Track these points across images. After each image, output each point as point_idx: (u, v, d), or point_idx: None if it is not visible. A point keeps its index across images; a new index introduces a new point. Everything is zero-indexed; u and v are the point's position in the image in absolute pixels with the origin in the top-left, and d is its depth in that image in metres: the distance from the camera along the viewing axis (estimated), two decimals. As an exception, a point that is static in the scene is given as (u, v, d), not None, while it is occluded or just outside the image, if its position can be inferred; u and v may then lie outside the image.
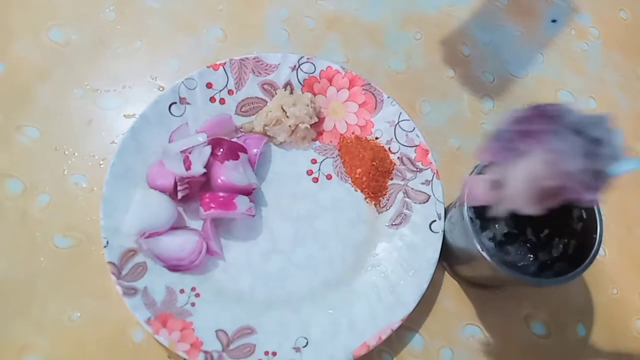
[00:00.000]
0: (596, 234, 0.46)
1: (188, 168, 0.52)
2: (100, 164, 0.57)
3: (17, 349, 0.49)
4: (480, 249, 0.44)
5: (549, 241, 0.52)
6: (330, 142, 0.60)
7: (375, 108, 0.60)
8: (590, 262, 0.45)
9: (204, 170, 0.52)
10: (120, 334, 0.51)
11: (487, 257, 0.44)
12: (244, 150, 0.54)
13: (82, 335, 0.50)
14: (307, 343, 0.50)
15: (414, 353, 0.53)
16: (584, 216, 0.48)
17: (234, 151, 0.53)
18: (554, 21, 0.73)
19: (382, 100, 0.60)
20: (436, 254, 0.54)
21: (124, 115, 0.59)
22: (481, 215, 0.50)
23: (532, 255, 0.53)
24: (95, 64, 0.62)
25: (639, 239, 0.61)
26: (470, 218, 0.46)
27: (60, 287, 0.52)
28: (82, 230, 0.54)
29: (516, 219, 0.54)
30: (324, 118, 0.61)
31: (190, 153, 0.53)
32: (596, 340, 0.56)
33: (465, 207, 0.46)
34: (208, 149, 0.53)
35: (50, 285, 0.52)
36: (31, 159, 0.56)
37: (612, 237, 0.61)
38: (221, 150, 0.53)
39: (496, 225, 0.54)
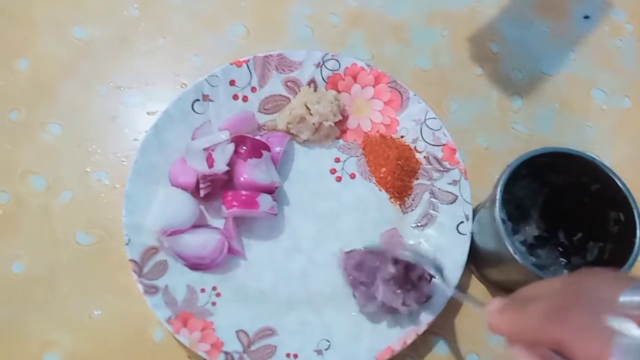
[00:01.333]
0: (635, 237, 0.44)
1: (211, 165, 0.51)
2: (123, 161, 0.56)
3: (39, 346, 0.49)
4: (512, 252, 0.42)
5: (583, 245, 0.50)
6: (354, 140, 0.59)
7: (401, 106, 0.58)
8: (630, 269, 0.43)
9: (227, 168, 0.51)
10: (140, 332, 0.50)
11: (520, 260, 0.42)
12: (267, 148, 0.53)
13: (102, 333, 0.50)
14: (329, 346, 0.49)
15: (439, 358, 0.52)
16: (622, 219, 0.46)
17: (257, 149, 0.52)
18: (586, 17, 0.71)
19: (408, 98, 0.58)
20: (464, 257, 0.52)
21: (147, 113, 0.59)
22: (512, 217, 0.48)
23: (564, 260, 0.51)
24: (118, 61, 0.61)
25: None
26: (502, 219, 0.44)
27: (81, 284, 0.52)
28: (104, 228, 0.54)
29: (548, 221, 0.52)
30: (348, 116, 0.59)
31: (213, 150, 0.52)
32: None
33: (497, 208, 0.44)
34: (231, 147, 0.52)
35: (72, 282, 0.52)
36: (54, 156, 0.56)
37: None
38: (244, 148, 0.52)
39: (527, 228, 0.52)
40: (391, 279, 0.48)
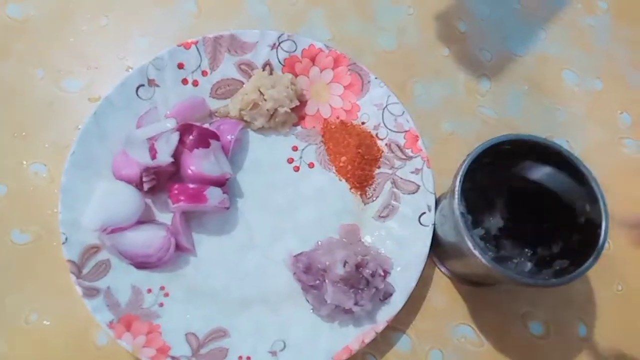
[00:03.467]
0: (601, 228, 0.41)
1: (154, 157, 0.47)
2: (62, 152, 0.52)
3: (-30, 354, 0.46)
4: (472, 247, 0.40)
5: (549, 235, 0.47)
6: (313, 127, 0.55)
7: (362, 90, 0.55)
8: (595, 261, 0.41)
9: (172, 160, 0.48)
10: (82, 336, 0.47)
11: (479, 255, 0.40)
12: (216, 137, 0.49)
13: (41, 338, 0.47)
14: (284, 346, 0.47)
15: (401, 355, 0.50)
16: (588, 209, 0.43)
17: (205, 138, 0.48)
18: (558, -6, 0.68)
19: (369, 82, 0.55)
20: (426, 249, 0.49)
21: (89, 99, 0.55)
22: (474, 208, 0.46)
23: (530, 250, 0.49)
24: (57, 42, 0.57)
25: (646, 231, 0.57)
26: (462, 213, 0.41)
27: (17, 286, 0.48)
28: (42, 225, 0.50)
29: (514, 211, 0.50)
30: (307, 101, 0.56)
31: (156, 141, 0.48)
32: (599, 340, 0.52)
33: (456, 201, 0.41)
34: (176, 136, 0.48)
35: (7, 284, 0.48)
36: (-14, 147, 0.52)
37: (617, 229, 0.56)
38: (190, 137, 0.48)
39: (491, 219, 0.50)
40: (340, 280, 0.45)
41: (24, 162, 0.52)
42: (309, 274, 0.47)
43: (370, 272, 0.46)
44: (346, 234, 0.50)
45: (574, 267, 0.41)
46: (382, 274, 0.46)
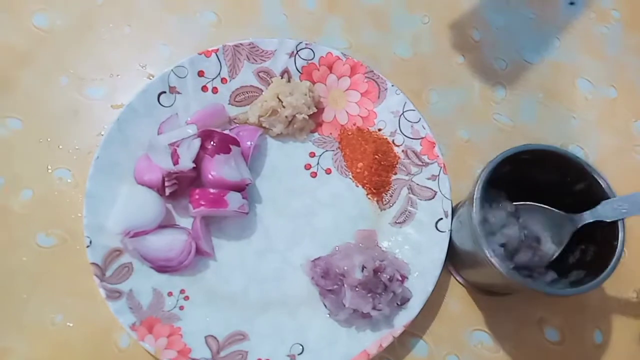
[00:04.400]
0: (617, 240, 0.42)
1: (176, 162, 0.48)
2: (86, 158, 0.53)
3: (-5, 354, 0.47)
4: (489, 256, 0.40)
5: (567, 247, 0.48)
6: (330, 134, 0.56)
7: (379, 97, 0.56)
8: (611, 272, 0.41)
9: (193, 165, 0.49)
10: (105, 338, 0.48)
11: (497, 265, 0.40)
12: (236, 143, 0.50)
13: (64, 340, 0.48)
14: (302, 350, 0.47)
15: (418, 360, 0.50)
16: (605, 221, 0.44)
17: (225, 144, 0.49)
18: (571, 4, 0.68)
19: (386, 89, 0.56)
20: (442, 255, 0.50)
21: (112, 106, 0.56)
22: (493, 217, 0.46)
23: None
24: (81, 50, 0.58)
25: (661, 239, 0.57)
26: (480, 220, 0.42)
27: (42, 288, 0.49)
28: (67, 228, 0.51)
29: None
30: (324, 108, 0.57)
31: (178, 146, 0.49)
32: (614, 347, 0.52)
33: (475, 208, 0.42)
34: (197, 142, 0.49)
35: (32, 286, 0.49)
36: (13, 152, 0.53)
37: (633, 238, 0.56)
38: (212, 143, 0.49)
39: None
40: (358, 285, 0.46)
41: (49, 168, 0.53)
42: (327, 278, 0.48)
43: (388, 276, 0.46)
44: (363, 239, 0.51)
45: (590, 277, 0.42)
46: (400, 278, 0.47)
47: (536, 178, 0.47)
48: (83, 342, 0.48)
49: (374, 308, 0.46)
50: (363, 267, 0.46)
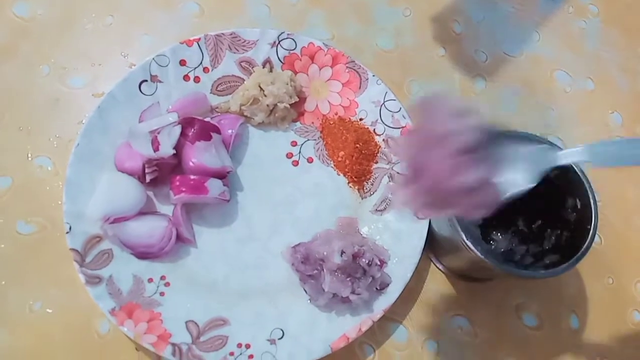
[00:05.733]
0: (590, 225, 0.43)
1: (156, 149, 0.48)
2: (67, 146, 0.53)
3: (-26, 341, 0.47)
4: (464, 239, 0.41)
5: (541, 232, 0.49)
6: (312, 123, 0.57)
7: (360, 87, 0.57)
8: (583, 255, 0.42)
9: (173, 152, 0.49)
10: (85, 325, 0.48)
11: (473, 248, 0.41)
12: (217, 131, 0.51)
13: (44, 327, 0.47)
14: (283, 335, 0.48)
15: (398, 345, 0.50)
16: (579, 206, 0.45)
17: (206, 131, 0.50)
18: (551, -2, 0.70)
19: (367, 79, 0.56)
20: (422, 242, 0.50)
21: (93, 95, 0.56)
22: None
23: (523, 247, 0.50)
24: (63, 40, 0.58)
25: (636, 227, 0.58)
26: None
27: (22, 275, 0.49)
28: (47, 216, 0.51)
29: (506, 210, 0.51)
30: (306, 98, 0.57)
31: (158, 133, 0.49)
32: (590, 332, 0.53)
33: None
34: (178, 129, 0.50)
35: (11, 273, 0.49)
36: (-7, 140, 0.53)
37: (608, 225, 0.57)
38: (192, 130, 0.50)
39: (485, 218, 0.51)
40: (337, 269, 0.46)
41: (29, 156, 0.53)
42: (307, 264, 0.48)
43: (367, 261, 0.47)
44: (344, 226, 0.52)
45: (564, 260, 0.42)
46: (379, 263, 0.47)
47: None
48: (63, 328, 0.48)
49: (353, 292, 0.46)
50: (342, 252, 0.46)
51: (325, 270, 0.47)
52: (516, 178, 0.37)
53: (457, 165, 0.33)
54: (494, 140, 0.35)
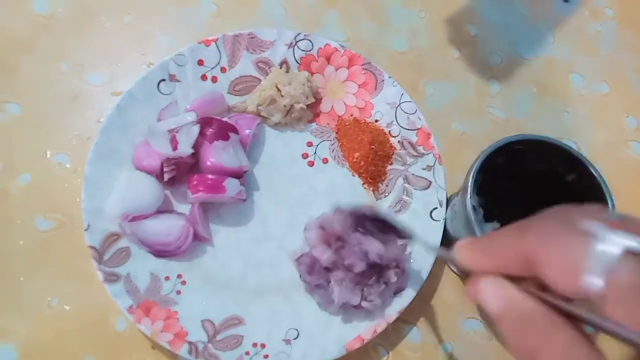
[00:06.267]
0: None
1: (175, 148, 0.49)
2: (85, 144, 0.54)
3: (-7, 336, 0.47)
4: (482, 239, 0.41)
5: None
6: (328, 124, 0.57)
7: (376, 89, 0.57)
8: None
9: (192, 151, 0.49)
10: (102, 321, 0.48)
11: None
12: (235, 131, 0.51)
13: (61, 323, 0.48)
14: (298, 335, 0.48)
15: (411, 347, 0.51)
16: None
17: (224, 131, 0.50)
18: (566, 1, 0.69)
19: (383, 81, 0.56)
20: (436, 244, 0.51)
21: (111, 93, 0.56)
22: (487, 204, 0.47)
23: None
24: (81, 38, 0.58)
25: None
26: (473, 206, 0.43)
27: (40, 271, 0.49)
28: (65, 213, 0.51)
29: (525, 211, 0.51)
30: (322, 99, 0.57)
31: (177, 133, 0.50)
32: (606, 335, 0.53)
33: (468, 195, 0.43)
34: (196, 129, 0.50)
35: (29, 269, 0.49)
36: (12, 137, 0.54)
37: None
38: (210, 130, 0.50)
39: (500, 221, 0.51)
40: (344, 279, 0.46)
41: (48, 153, 0.53)
42: (313, 274, 0.47)
43: (387, 264, 0.46)
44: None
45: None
46: (397, 267, 0.47)
47: (529, 170, 0.48)
48: (80, 325, 0.48)
49: (365, 299, 0.46)
50: (349, 267, 0.45)
51: (332, 280, 0.46)
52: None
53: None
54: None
